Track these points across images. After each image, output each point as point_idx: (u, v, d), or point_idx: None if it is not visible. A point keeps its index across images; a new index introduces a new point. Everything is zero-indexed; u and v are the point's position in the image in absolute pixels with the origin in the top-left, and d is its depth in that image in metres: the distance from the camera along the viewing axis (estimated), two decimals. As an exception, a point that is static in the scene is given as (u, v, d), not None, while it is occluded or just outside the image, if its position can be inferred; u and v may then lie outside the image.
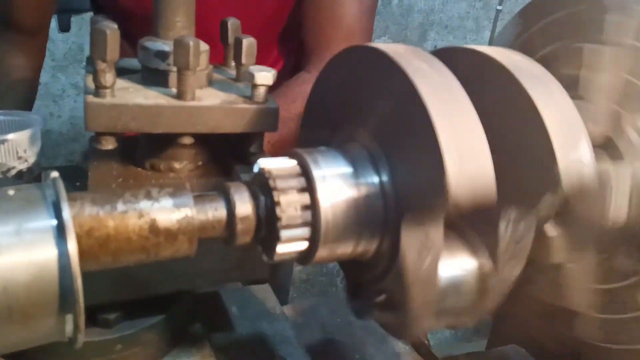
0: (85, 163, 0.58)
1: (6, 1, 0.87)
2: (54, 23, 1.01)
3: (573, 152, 0.36)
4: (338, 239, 0.37)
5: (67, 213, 0.30)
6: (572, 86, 0.48)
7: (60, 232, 0.30)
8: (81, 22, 1.46)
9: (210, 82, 0.52)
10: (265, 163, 0.38)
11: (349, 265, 0.43)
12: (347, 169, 0.38)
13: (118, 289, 0.49)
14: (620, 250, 0.48)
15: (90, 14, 1.04)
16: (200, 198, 0.36)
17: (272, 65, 0.96)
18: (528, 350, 0.68)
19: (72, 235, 0.30)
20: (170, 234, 0.34)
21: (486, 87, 0.39)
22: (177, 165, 0.51)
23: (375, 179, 0.38)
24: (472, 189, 0.32)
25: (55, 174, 0.33)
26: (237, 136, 0.49)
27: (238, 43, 0.52)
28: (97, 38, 0.42)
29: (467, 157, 0.32)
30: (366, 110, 0.39)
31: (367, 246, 0.39)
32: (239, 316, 0.64)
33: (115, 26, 0.43)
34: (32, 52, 0.93)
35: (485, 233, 0.40)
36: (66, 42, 1.64)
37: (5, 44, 0.91)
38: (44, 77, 1.16)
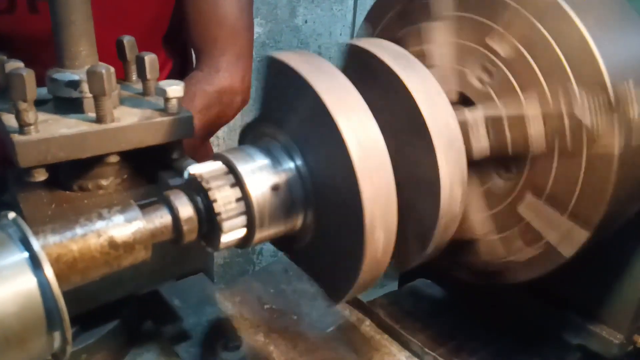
0: (4, 196, 0.60)
1: None
2: None
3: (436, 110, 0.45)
4: (272, 221, 0.44)
5: (36, 245, 0.35)
6: (421, 59, 0.57)
7: (34, 262, 0.35)
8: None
9: (121, 101, 0.56)
10: (194, 169, 0.43)
11: (279, 241, 0.50)
12: (266, 161, 0.45)
13: (71, 305, 0.53)
14: (493, 177, 0.58)
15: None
16: (145, 209, 0.41)
17: (161, 68, 0.99)
18: (434, 281, 0.80)
19: (47, 263, 0.35)
20: (128, 246, 0.39)
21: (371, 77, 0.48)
22: (104, 182, 0.56)
23: (291, 165, 0.45)
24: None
25: (12, 214, 0.37)
26: (159, 146, 0.54)
27: (140, 60, 0.56)
28: (15, 81, 0.45)
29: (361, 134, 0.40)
30: (279, 110, 0.46)
31: (295, 222, 0.46)
32: (182, 307, 0.69)
33: (28, 68, 0.46)
34: None
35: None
36: None
37: None
38: None
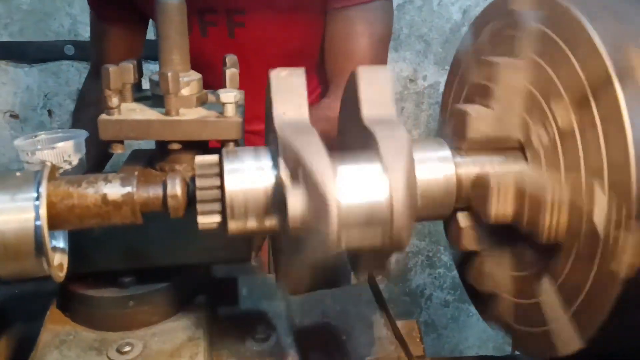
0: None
1: (98, 56, 1.11)
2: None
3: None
4: (244, 216, 0.49)
5: (44, 188, 0.47)
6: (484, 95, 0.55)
7: (39, 200, 0.46)
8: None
9: (203, 104, 0.67)
10: (198, 158, 0.51)
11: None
12: (254, 163, 0.50)
13: (127, 259, 0.65)
14: (524, 243, 0.54)
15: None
16: (147, 182, 0.51)
17: (312, 92, 1.10)
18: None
19: (44, 203, 0.46)
20: (116, 205, 0.49)
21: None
22: (178, 167, 0.67)
23: (274, 171, 0.50)
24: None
25: (48, 163, 0.50)
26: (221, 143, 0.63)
27: (223, 73, 0.66)
28: (103, 74, 0.59)
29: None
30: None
31: (271, 222, 0.50)
32: (245, 296, 0.77)
33: (116, 65, 0.60)
34: None
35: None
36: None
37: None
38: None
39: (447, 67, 0.66)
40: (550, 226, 0.47)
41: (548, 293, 0.50)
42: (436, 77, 1.88)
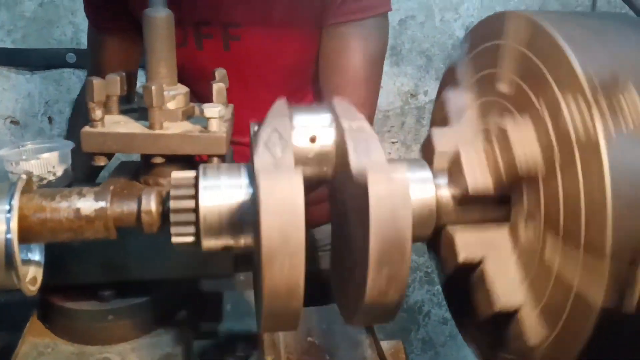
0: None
1: (95, 65, 1.11)
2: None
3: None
4: (219, 233, 0.49)
5: (16, 201, 0.46)
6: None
7: (9, 213, 0.46)
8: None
9: (190, 117, 0.66)
10: (174, 175, 0.51)
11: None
12: (232, 181, 0.50)
13: (107, 272, 0.65)
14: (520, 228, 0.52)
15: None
16: (122, 196, 0.50)
17: (307, 106, 1.10)
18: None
19: (15, 217, 0.46)
20: (89, 220, 0.48)
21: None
22: (162, 180, 0.67)
23: (249, 190, 0.49)
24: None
25: (24, 176, 0.49)
26: (203, 159, 0.62)
27: (210, 87, 0.66)
28: (87, 86, 0.59)
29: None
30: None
31: (246, 240, 0.50)
32: (230, 312, 0.76)
33: (101, 78, 0.60)
34: None
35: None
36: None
37: None
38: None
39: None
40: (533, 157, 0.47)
41: (557, 250, 0.47)
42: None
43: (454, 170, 0.52)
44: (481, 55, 0.57)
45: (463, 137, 0.53)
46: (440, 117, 0.61)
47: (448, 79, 0.63)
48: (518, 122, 0.49)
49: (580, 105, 0.43)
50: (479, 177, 0.51)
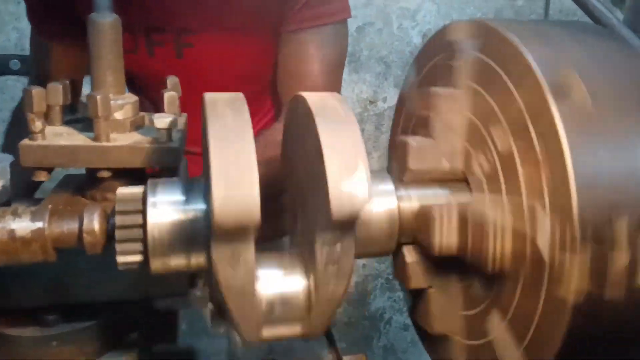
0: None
1: (39, 74, 1.06)
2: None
3: (347, 183, 0.42)
4: (168, 253, 0.46)
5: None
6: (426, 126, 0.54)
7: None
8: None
9: (139, 128, 0.63)
10: (120, 191, 0.47)
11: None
12: (179, 197, 0.47)
13: (51, 295, 0.60)
14: (475, 278, 0.51)
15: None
16: (62, 215, 0.46)
17: (265, 115, 1.07)
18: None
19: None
20: (25, 242, 0.44)
21: (306, 130, 0.47)
22: (110, 195, 0.63)
23: (201, 206, 0.46)
24: (235, 213, 0.39)
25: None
26: (155, 171, 0.59)
27: (162, 96, 0.63)
28: (26, 96, 0.55)
29: (233, 185, 0.40)
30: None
31: (198, 260, 0.47)
32: (185, 332, 0.73)
33: (41, 87, 0.55)
34: None
35: (308, 254, 0.47)
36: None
37: None
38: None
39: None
40: (494, 254, 0.46)
41: (498, 329, 0.48)
42: (396, 99, 1.87)
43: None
44: (431, 73, 0.57)
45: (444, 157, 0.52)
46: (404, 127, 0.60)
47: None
48: None
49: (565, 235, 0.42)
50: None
